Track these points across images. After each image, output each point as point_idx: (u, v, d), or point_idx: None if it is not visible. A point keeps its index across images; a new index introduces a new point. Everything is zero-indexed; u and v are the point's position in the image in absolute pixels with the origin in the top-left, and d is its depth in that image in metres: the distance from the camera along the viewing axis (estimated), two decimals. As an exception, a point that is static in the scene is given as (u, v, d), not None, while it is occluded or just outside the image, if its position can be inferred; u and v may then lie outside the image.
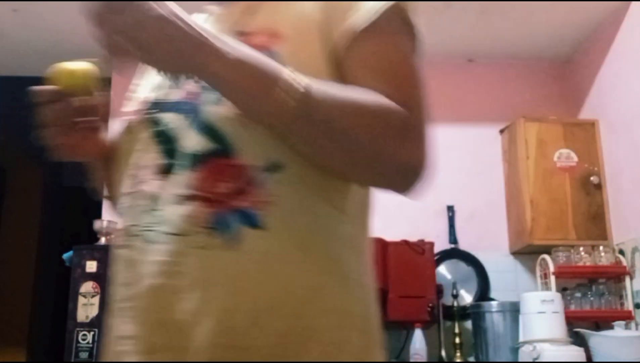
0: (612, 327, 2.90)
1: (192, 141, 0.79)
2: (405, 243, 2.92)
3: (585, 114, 3.41)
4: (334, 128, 0.74)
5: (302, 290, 0.76)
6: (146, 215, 0.80)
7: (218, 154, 0.78)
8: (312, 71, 0.76)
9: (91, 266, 2.59)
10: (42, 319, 4.41)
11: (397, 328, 2.98)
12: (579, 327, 2.77)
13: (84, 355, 2.50)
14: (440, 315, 2.92)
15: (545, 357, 2.56)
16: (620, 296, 2.97)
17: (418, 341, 2.80)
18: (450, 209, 3.30)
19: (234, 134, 0.78)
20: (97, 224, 2.85)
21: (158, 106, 0.86)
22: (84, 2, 0.76)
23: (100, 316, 2.54)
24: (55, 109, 0.87)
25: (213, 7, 0.95)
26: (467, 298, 3.19)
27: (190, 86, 0.83)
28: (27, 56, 3.46)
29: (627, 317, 2.91)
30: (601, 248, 3.00)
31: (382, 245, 2.86)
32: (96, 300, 2.56)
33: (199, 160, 0.78)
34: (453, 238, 3.28)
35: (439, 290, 2.91)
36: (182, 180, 0.78)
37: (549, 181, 3.14)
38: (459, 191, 3.32)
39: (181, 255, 0.76)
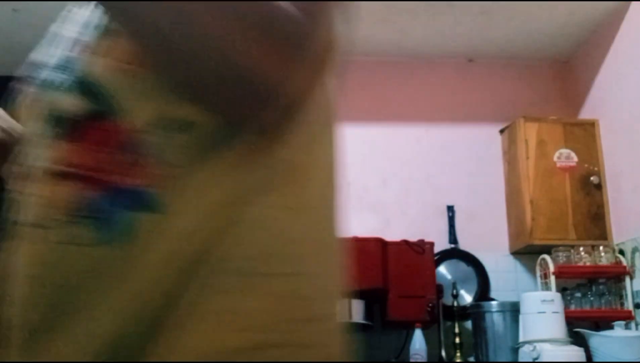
0: (612, 327, 2.90)
1: (64, 103, 0.61)
2: (405, 243, 2.92)
3: (585, 114, 3.40)
4: None
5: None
6: (16, 201, 0.62)
7: (97, 117, 0.58)
8: None
9: (91, 266, 2.59)
10: (42, 319, 4.41)
11: (397, 328, 2.98)
12: (579, 327, 2.77)
13: (84, 355, 2.50)
14: (440, 315, 2.92)
15: (545, 357, 2.56)
16: (620, 296, 2.97)
17: (418, 341, 2.80)
18: (450, 209, 3.30)
19: (117, 88, 0.58)
20: (97, 224, 2.84)
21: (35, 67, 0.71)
22: None
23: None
24: None
25: None
26: (467, 298, 3.19)
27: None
28: (27, 56, 3.45)
29: (627, 317, 2.91)
30: (601, 248, 3.00)
31: (382, 245, 2.86)
32: (96, 300, 2.56)
33: (70, 126, 0.59)
34: (453, 238, 3.28)
35: (439, 290, 2.91)
36: (51, 153, 0.59)
37: (549, 181, 3.14)
38: (459, 191, 3.32)
39: (39, 255, 0.58)
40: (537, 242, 3.07)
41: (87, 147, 0.58)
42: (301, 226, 0.61)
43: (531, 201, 3.11)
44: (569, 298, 2.95)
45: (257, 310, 0.57)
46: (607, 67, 3.23)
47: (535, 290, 3.06)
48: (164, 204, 0.56)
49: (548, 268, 2.98)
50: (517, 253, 3.28)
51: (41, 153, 0.61)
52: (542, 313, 2.67)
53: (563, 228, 3.09)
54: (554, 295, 2.76)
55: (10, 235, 0.62)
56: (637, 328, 2.89)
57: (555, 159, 3.17)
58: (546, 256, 3.01)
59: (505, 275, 3.25)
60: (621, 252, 3.01)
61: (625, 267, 2.95)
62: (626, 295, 2.94)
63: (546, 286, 2.99)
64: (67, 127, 0.59)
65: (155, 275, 0.56)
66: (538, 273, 3.10)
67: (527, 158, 3.17)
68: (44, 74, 0.68)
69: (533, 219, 3.09)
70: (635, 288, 2.92)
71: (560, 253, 2.99)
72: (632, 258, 2.95)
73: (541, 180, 3.14)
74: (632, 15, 3.04)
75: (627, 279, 2.94)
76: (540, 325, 2.66)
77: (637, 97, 2.97)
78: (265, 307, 0.57)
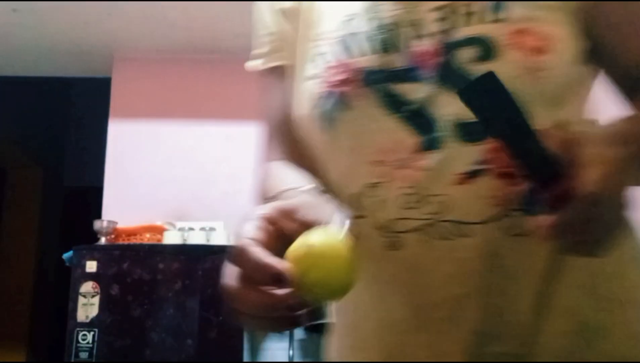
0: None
1: (452, 108, 0.65)
2: (405, 243, 2.91)
3: (585, 114, 3.41)
4: None
5: None
6: (418, 204, 0.66)
7: None
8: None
9: (91, 266, 2.59)
10: (42, 319, 4.42)
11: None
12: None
13: (84, 355, 2.51)
14: (440, 315, 2.92)
15: (545, 357, 2.56)
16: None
17: (418, 341, 2.81)
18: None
19: (520, 93, 0.57)
20: (97, 225, 2.85)
21: (382, 73, 0.70)
22: None
23: (100, 316, 2.55)
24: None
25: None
26: (467, 298, 3.19)
27: (418, 47, 0.69)
28: (27, 56, 3.46)
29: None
30: (601, 248, 3.00)
31: (382, 245, 2.86)
32: (96, 300, 2.56)
33: (471, 130, 0.64)
34: (453, 238, 3.28)
35: (439, 290, 2.91)
36: (460, 155, 0.64)
37: (549, 181, 3.15)
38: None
39: (498, 246, 0.64)
40: (537, 242, 3.07)
41: (499, 147, 0.61)
42: None
43: (531, 201, 3.11)
44: (569, 298, 2.96)
45: None
46: (607, 67, 3.24)
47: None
48: None
49: (548, 268, 2.98)
50: (517, 253, 3.28)
51: (444, 157, 0.64)
52: (542, 313, 2.67)
53: (563, 228, 3.09)
54: (554, 295, 2.76)
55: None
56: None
57: (555, 159, 3.18)
58: (546, 256, 3.01)
59: (505, 275, 3.26)
60: (621, 252, 3.01)
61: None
62: (626, 295, 2.94)
63: (546, 286, 2.99)
64: (466, 131, 0.64)
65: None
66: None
67: (527, 158, 3.17)
68: (394, 81, 0.70)
69: (533, 219, 3.09)
70: (635, 288, 2.93)
71: (560, 253, 2.99)
72: (632, 258, 2.95)
73: (541, 180, 3.14)
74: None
75: (627, 279, 2.95)
76: (540, 325, 2.66)
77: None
78: None
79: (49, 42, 3.29)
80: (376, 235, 0.69)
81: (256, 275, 0.53)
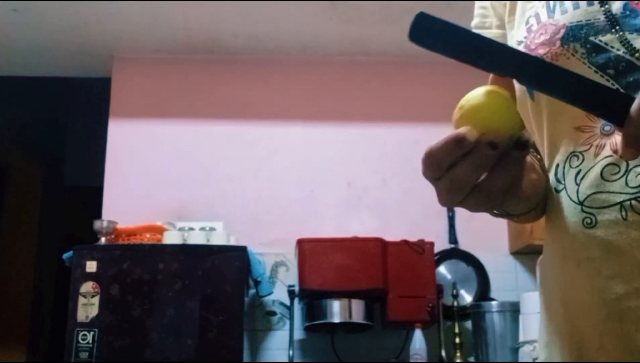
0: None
1: None
2: (405, 243, 2.91)
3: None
4: None
5: None
6: (621, 176, 0.61)
7: None
8: None
9: (91, 266, 2.59)
10: (42, 319, 4.41)
11: (397, 328, 2.98)
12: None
13: (84, 355, 2.50)
14: (440, 315, 2.92)
15: (546, 357, 2.55)
16: (621, 296, 2.97)
17: (418, 341, 2.80)
18: (450, 209, 3.30)
19: None
20: (97, 225, 2.85)
21: (581, 29, 0.66)
22: None
23: (100, 316, 2.55)
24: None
25: None
26: (467, 298, 3.19)
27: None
28: (27, 56, 3.46)
29: (627, 317, 2.91)
30: (601, 248, 3.00)
31: (382, 245, 2.86)
32: (96, 300, 2.56)
33: None
34: (453, 238, 3.28)
35: (439, 290, 2.91)
36: None
37: (549, 181, 3.14)
38: (459, 191, 3.32)
39: None
40: (537, 242, 3.06)
41: None
42: None
43: (531, 201, 3.10)
44: (569, 298, 2.95)
45: None
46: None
47: (535, 290, 3.04)
48: None
49: (548, 268, 2.97)
50: (517, 253, 3.28)
51: None
52: (542, 313, 2.66)
53: (563, 228, 3.09)
54: (554, 295, 2.76)
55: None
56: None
57: (555, 159, 3.17)
58: (546, 256, 3.00)
59: (505, 275, 3.25)
60: (621, 252, 3.01)
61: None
62: (626, 295, 2.94)
63: (546, 286, 2.98)
64: None
65: None
66: (538, 273, 3.10)
67: (528, 158, 3.16)
68: (596, 35, 0.66)
69: (533, 219, 3.08)
70: (635, 288, 2.92)
71: (560, 253, 2.98)
72: (632, 258, 2.94)
73: (541, 180, 3.14)
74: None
75: (627, 279, 2.94)
76: (541, 325, 2.66)
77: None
78: None
79: (49, 42, 3.29)
80: (573, 210, 0.64)
81: (445, 157, 0.56)
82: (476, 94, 0.61)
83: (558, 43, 0.67)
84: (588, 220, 0.63)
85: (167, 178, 3.28)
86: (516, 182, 0.61)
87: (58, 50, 3.38)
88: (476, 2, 0.85)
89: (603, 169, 0.62)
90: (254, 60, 3.47)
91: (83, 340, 2.52)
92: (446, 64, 3.79)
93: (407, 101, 3.49)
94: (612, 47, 0.64)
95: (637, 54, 0.62)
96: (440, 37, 0.56)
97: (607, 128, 0.63)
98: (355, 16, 3.09)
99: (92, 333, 2.53)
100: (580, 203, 0.64)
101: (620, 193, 0.60)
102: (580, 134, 0.65)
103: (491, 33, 0.83)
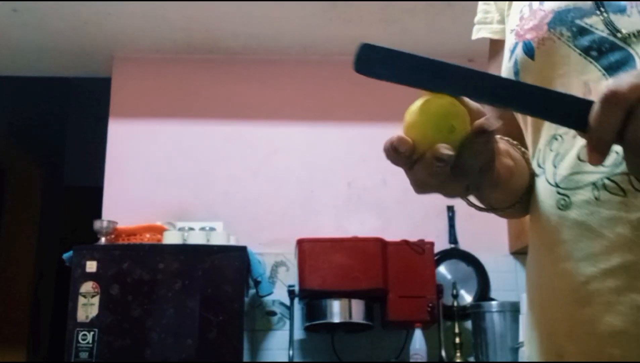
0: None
1: None
2: (405, 243, 2.92)
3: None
4: None
5: None
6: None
7: None
8: None
9: (91, 266, 2.59)
10: (42, 319, 4.41)
11: (397, 328, 2.98)
12: (579, 326, 2.77)
13: (84, 355, 2.51)
14: (440, 315, 2.92)
15: (546, 357, 2.55)
16: (621, 296, 2.97)
17: (418, 341, 2.80)
18: (450, 209, 3.30)
19: None
20: (97, 225, 2.85)
21: (568, 13, 0.65)
22: None
23: (100, 316, 2.55)
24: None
25: None
26: (467, 298, 3.19)
27: None
28: (27, 56, 3.46)
29: (627, 317, 2.90)
30: (601, 248, 2.99)
31: (382, 245, 2.86)
32: (96, 300, 2.56)
33: None
34: (453, 238, 3.28)
35: (439, 290, 2.91)
36: None
37: (549, 181, 3.14)
38: (459, 191, 3.32)
39: None
40: (537, 242, 3.07)
41: None
42: None
43: (531, 201, 3.11)
44: (569, 298, 2.95)
45: None
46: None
47: (535, 290, 3.06)
48: None
49: (548, 268, 2.98)
50: (517, 253, 3.28)
51: None
52: (542, 313, 2.66)
53: (563, 228, 3.09)
54: (554, 295, 2.76)
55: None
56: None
57: (555, 159, 3.17)
58: (546, 256, 3.00)
59: (505, 275, 3.25)
60: (621, 252, 3.01)
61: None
62: (626, 295, 2.94)
63: (546, 286, 2.99)
64: None
65: None
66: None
67: (527, 158, 3.17)
68: (582, 18, 0.65)
69: (533, 219, 3.08)
70: (635, 288, 2.92)
71: (560, 253, 2.98)
72: (632, 258, 2.94)
73: (541, 180, 3.14)
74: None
75: (627, 279, 2.94)
76: (541, 325, 2.66)
77: None
78: None
79: (49, 42, 3.29)
80: (550, 193, 0.64)
81: (396, 158, 0.56)
82: (412, 110, 0.60)
83: (545, 28, 0.67)
84: (562, 202, 0.63)
85: (167, 178, 3.28)
86: (489, 163, 0.60)
87: (58, 50, 3.38)
88: (479, 2, 0.85)
89: (580, 150, 0.62)
90: (254, 60, 3.47)
91: (83, 340, 2.52)
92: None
93: (407, 101, 3.48)
94: (597, 28, 0.64)
95: (618, 34, 0.62)
96: (387, 65, 0.55)
97: None
98: (355, 16, 3.09)
99: (92, 333, 2.53)
100: (557, 185, 0.64)
101: (594, 172, 0.60)
102: None
103: (492, 28, 0.84)
